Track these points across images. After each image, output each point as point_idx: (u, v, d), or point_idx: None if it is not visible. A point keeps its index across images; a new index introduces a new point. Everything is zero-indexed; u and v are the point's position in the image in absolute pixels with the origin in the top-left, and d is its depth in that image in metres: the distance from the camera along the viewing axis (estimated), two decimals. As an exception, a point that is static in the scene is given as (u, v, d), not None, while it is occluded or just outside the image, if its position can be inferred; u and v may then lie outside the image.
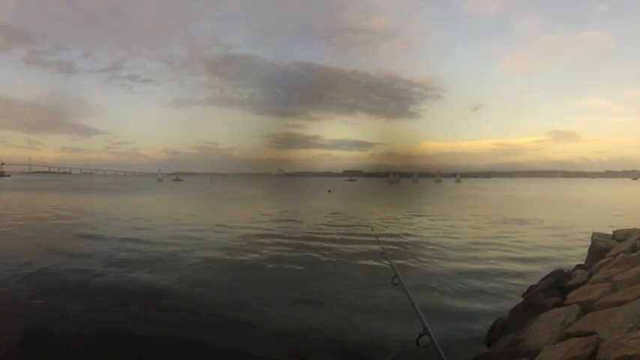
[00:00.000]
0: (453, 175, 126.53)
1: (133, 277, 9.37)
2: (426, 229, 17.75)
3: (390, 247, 13.36)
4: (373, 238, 14.07)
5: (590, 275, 6.98)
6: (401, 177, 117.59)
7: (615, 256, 7.03)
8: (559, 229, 17.46)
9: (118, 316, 6.88)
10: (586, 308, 5.55)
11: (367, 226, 16.88)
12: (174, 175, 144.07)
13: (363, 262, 11.43)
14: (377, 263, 10.76)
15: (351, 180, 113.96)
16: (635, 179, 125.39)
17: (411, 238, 15.44)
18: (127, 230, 16.74)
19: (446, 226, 18.67)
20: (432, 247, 13.48)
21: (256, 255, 12.03)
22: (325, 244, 13.77)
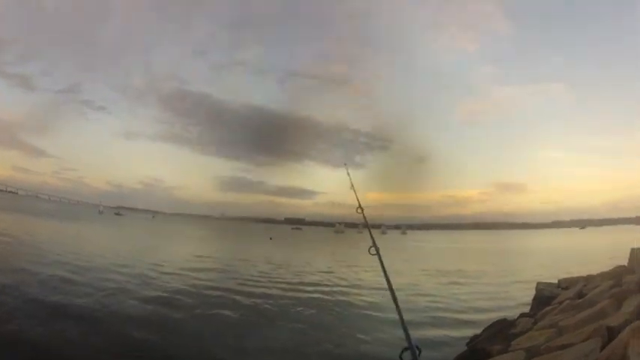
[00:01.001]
0: (398, 227, 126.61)
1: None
2: (368, 281, 16.67)
3: (341, 297, 12.54)
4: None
5: (535, 322, 6.60)
6: (346, 227, 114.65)
7: (561, 303, 6.74)
8: (503, 279, 17.34)
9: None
10: (531, 353, 5.13)
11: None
12: (115, 209, 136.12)
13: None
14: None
15: (297, 228, 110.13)
16: (583, 228, 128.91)
17: (356, 289, 14.54)
18: (41, 263, 14.51)
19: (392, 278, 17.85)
20: (374, 298, 12.74)
21: (181, 308, 10.27)
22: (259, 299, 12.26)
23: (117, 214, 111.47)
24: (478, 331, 8.42)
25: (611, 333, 4.21)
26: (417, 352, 2.10)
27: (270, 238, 53.02)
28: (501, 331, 7.16)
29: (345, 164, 4.94)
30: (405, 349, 2.10)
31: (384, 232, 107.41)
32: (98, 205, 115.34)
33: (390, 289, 2.76)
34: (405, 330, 2.22)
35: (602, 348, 3.90)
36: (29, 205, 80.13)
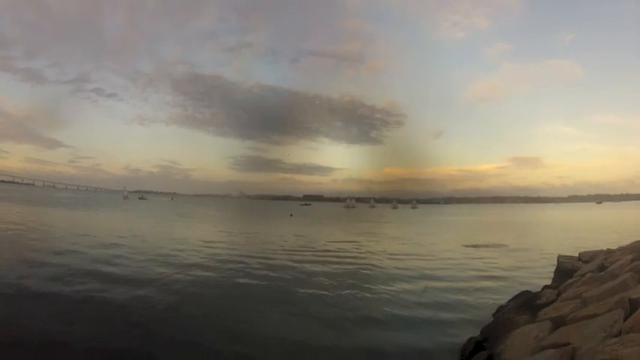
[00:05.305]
0: (408, 201, 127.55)
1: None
2: (391, 253, 17.49)
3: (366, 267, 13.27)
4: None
5: (559, 294, 7.06)
6: (357, 202, 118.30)
7: (583, 275, 7.17)
8: (524, 252, 17.89)
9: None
10: (558, 323, 5.60)
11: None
12: (137, 193, 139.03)
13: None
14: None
15: (306, 204, 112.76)
16: (600, 203, 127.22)
17: (379, 260, 15.30)
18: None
19: (410, 251, 18.60)
20: (400, 270, 13.43)
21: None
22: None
23: (141, 198, 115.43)
24: (503, 301, 9.02)
25: (633, 305, 4.68)
26: None
27: (291, 215, 54.95)
28: (527, 302, 7.69)
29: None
30: None
31: (394, 207, 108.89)
32: (121, 191, 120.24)
33: None
34: None
35: (626, 319, 4.36)
36: (50, 196, 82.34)
